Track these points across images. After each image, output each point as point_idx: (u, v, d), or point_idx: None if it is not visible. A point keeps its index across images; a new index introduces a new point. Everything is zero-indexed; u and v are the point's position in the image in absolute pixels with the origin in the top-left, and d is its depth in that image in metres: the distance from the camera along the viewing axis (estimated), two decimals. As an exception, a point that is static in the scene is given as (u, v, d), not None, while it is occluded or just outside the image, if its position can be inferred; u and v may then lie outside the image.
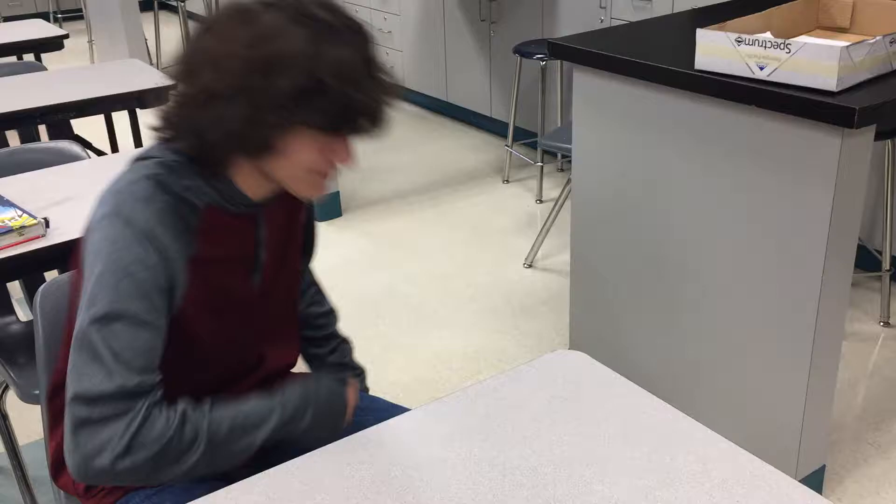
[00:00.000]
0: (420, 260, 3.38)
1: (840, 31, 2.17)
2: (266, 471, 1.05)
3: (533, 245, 3.29)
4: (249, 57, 1.01)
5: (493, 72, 4.44)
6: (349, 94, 1.02)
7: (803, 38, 2.05)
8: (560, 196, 3.21)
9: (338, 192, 3.81)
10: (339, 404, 1.18)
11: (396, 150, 4.61)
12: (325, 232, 3.68)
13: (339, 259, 3.42)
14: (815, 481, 2.03)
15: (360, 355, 2.76)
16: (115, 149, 3.41)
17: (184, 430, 1.03)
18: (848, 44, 1.64)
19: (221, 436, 1.06)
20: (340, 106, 1.03)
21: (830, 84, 1.65)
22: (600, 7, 3.69)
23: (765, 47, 1.72)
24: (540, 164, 3.84)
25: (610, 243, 2.25)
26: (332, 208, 3.80)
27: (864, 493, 2.10)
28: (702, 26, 1.84)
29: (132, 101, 2.84)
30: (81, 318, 1.03)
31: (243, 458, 1.09)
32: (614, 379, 1.20)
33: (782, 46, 1.69)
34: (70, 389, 1.01)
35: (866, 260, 2.92)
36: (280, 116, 1.03)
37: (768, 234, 1.85)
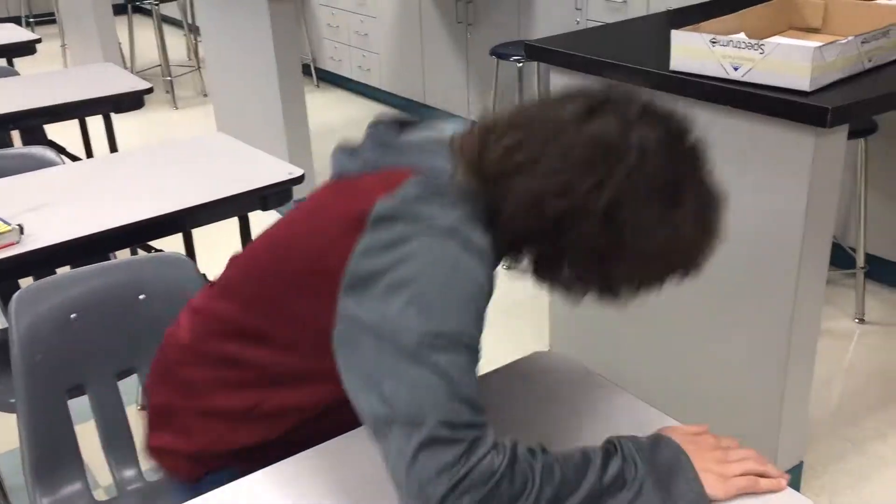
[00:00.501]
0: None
1: (812, 31, 2.20)
2: (250, 476, 1.04)
3: (512, 246, 3.29)
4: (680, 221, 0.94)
5: (470, 74, 4.45)
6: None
7: (777, 39, 2.07)
8: (538, 197, 3.21)
9: (316, 196, 3.79)
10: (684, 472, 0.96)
11: (374, 152, 4.60)
12: (304, 235, 3.66)
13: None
14: (793, 477, 2.05)
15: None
16: (89, 154, 3.38)
17: (514, 469, 0.88)
18: (820, 44, 1.66)
19: (554, 485, 0.89)
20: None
21: (804, 84, 1.67)
22: (576, 9, 3.70)
23: (739, 48, 1.73)
24: (518, 165, 3.84)
25: (588, 244, 2.26)
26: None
27: (842, 488, 2.12)
28: (676, 27, 1.86)
29: (107, 106, 2.81)
30: (405, 325, 0.89)
31: None
32: (594, 379, 1.20)
33: (756, 47, 1.70)
34: (403, 406, 0.87)
35: (841, 257, 2.95)
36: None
37: (744, 233, 1.86)
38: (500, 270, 1.02)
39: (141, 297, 1.47)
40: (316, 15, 5.61)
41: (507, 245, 0.99)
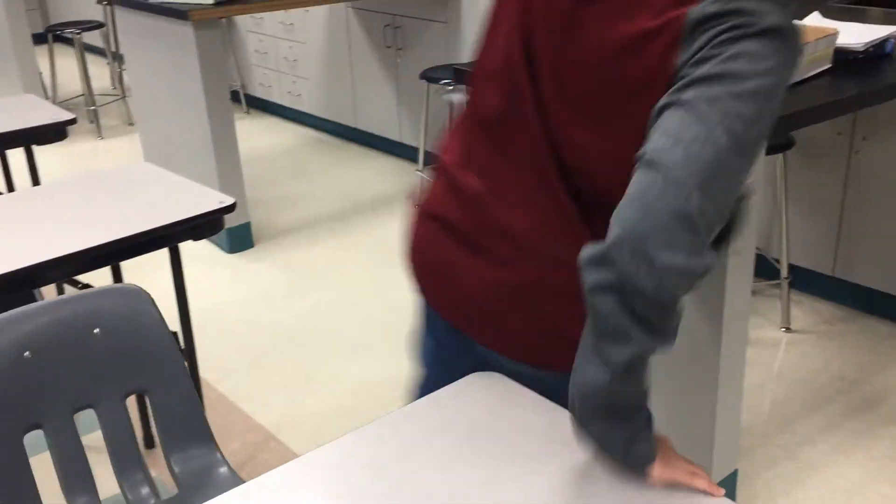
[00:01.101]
0: (335, 288, 3.36)
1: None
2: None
3: (447, 268, 3.30)
4: None
5: (400, 97, 4.47)
6: None
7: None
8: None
9: (249, 223, 3.76)
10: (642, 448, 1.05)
11: (307, 177, 4.58)
12: (238, 263, 3.62)
13: (253, 290, 3.37)
14: (728, 486, 2.10)
15: (279, 387, 2.71)
16: (11, 188, 3.28)
17: (678, 310, 0.92)
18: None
19: (645, 367, 1.01)
20: None
21: (723, 103, 1.72)
22: (503, 32, 3.76)
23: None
24: (451, 187, 3.87)
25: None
26: (244, 239, 3.75)
27: (775, 493, 2.18)
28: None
29: (28, 139, 2.74)
30: (719, 112, 0.89)
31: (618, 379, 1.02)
32: (532, 398, 1.22)
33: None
34: (686, 168, 0.87)
35: (765, 269, 3.05)
36: None
37: (673, 249, 1.91)
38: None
39: (95, 331, 1.43)
40: (244, 41, 5.58)
41: None
